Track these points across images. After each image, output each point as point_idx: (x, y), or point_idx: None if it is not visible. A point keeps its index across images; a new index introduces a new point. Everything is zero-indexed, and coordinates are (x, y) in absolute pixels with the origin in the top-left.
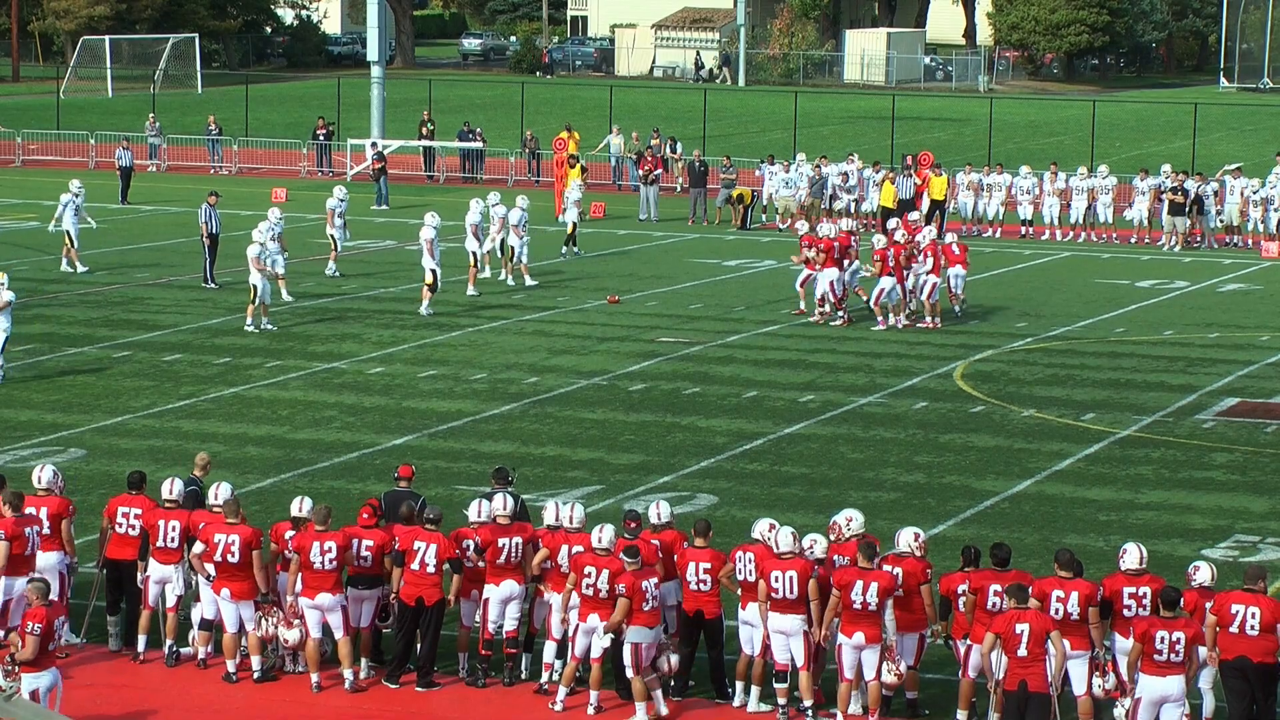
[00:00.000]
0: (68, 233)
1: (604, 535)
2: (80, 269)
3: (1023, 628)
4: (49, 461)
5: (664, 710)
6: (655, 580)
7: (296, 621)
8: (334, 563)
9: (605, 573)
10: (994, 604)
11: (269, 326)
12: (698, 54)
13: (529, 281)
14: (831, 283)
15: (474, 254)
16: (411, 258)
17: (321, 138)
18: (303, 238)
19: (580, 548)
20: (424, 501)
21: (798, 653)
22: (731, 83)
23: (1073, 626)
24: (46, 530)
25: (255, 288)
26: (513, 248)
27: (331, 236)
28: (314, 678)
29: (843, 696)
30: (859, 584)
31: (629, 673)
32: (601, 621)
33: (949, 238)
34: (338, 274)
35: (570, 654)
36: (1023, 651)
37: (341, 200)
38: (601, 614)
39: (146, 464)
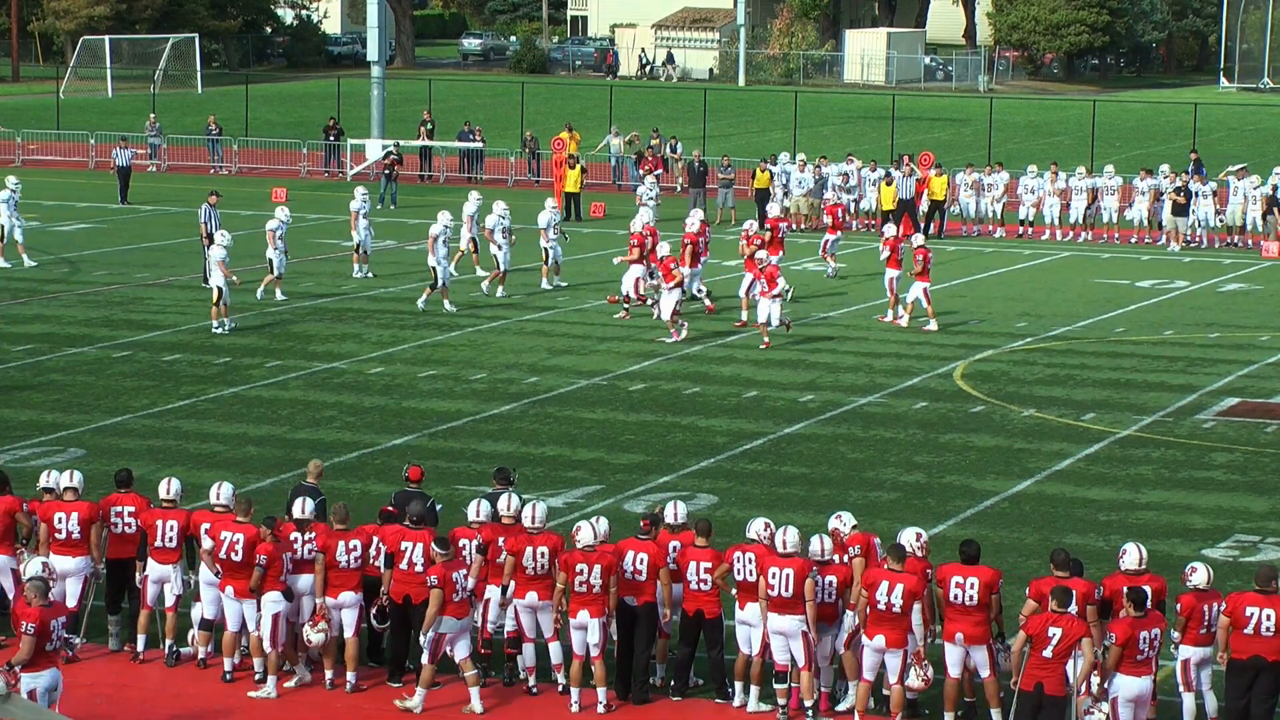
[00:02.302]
0: (1, 228)
1: (596, 532)
2: (7, 264)
3: (1055, 631)
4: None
5: (479, 708)
6: (465, 572)
7: (323, 624)
8: (358, 561)
9: (596, 568)
10: (955, 596)
11: (221, 328)
12: (643, 50)
13: (560, 282)
14: (638, 279)
15: (496, 257)
16: (412, 257)
17: (332, 138)
18: (303, 238)
19: (545, 548)
20: (428, 500)
21: (798, 653)
22: (677, 80)
23: None
24: (77, 535)
25: (220, 290)
26: (547, 250)
27: (356, 239)
28: (328, 675)
29: (860, 697)
30: (884, 584)
31: (424, 659)
32: (591, 618)
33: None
34: (370, 275)
35: (571, 653)
36: (1048, 654)
37: (364, 202)
38: (592, 610)
39: (146, 464)
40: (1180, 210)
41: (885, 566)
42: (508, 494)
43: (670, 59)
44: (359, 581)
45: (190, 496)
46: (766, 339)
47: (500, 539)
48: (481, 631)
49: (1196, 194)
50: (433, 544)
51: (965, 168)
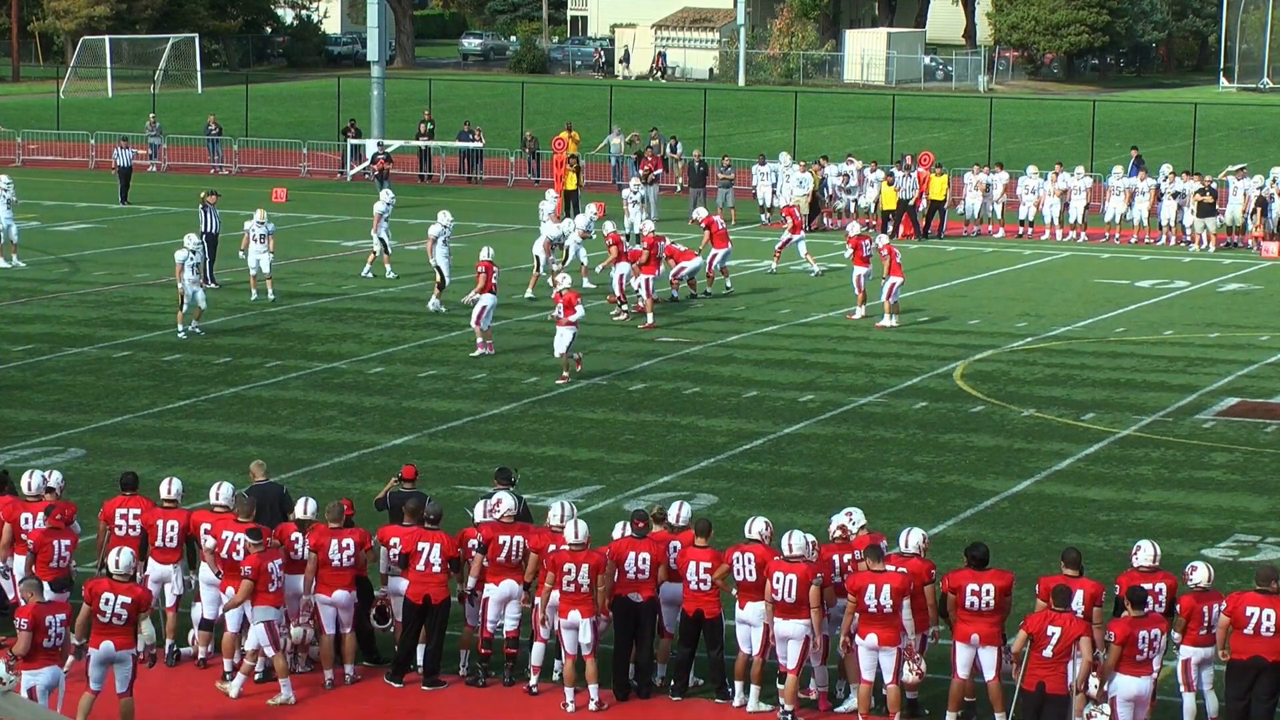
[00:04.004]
0: None
1: (579, 531)
2: (7, 264)
3: (1054, 630)
4: (38, 468)
5: (293, 699)
6: (280, 562)
7: (303, 620)
8: (351, 559)
9: (585, 567)
10: (971, 603)
11: (198, 330)
12: (598, 47)
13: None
14: (622, 276)
15: (538, 259)
16: (412, 257)
17: (353, 141)
18: (303, 238)
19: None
20: (427, 499)
21: (796, 657)
22: (634, 77)
23: None
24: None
25: (186, 294)
26: (567, 250)
27: (380, 240)
28: (327, 675)
29: (862, 698)
30: (871, 587)
31: (269, 651)
32: (582, 618)
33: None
34: (370, 275)
35: (563, 653)
36: (1048, 653)
37: (388, 204)
38: (582, 610)
39: (146, 464)
40: (1206, 211)
41: (865, 568)
42: (507, 493)
43: (626, 56)
44: (352, 580)
45: (191, 496)
46: (566, 373)
47: (506, 538)
48: (481, 631)
49: (1170, 194)
50: (245, 534)
51: (973, 167)
